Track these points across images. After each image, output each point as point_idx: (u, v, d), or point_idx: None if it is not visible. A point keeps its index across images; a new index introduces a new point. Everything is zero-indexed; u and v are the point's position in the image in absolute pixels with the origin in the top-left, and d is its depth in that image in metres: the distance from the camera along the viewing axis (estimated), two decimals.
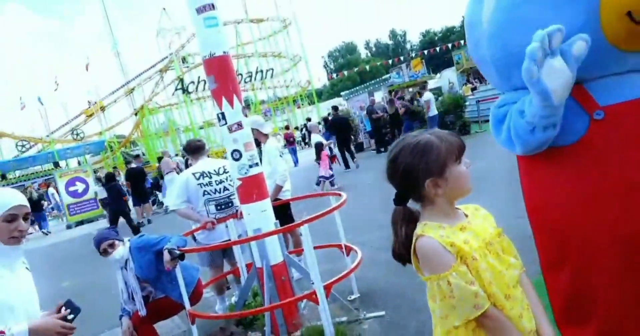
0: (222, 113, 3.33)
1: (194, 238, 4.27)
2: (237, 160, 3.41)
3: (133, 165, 13.90)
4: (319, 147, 10.15)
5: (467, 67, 33.95)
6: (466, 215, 1.35)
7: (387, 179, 1.34)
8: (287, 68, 39.39)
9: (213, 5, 3.26)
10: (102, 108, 37.16)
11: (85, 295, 6.03)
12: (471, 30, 1.65)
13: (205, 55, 3.30)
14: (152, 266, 3.30)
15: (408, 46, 77.11)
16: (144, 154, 34.73)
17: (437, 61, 48.05)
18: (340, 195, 3.73)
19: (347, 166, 12.66)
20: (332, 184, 9.66)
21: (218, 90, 3.31)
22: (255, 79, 35.38)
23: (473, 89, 26.64)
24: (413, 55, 46.72)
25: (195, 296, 3.57)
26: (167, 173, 9.81)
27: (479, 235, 1.29)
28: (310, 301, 3.36)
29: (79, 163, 38.67)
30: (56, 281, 7.60)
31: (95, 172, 20.33)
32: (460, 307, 1.21)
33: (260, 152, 4.34)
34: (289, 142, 20.52)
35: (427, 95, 14.23)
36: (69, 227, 16.24)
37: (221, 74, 3.31)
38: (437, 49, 31.43)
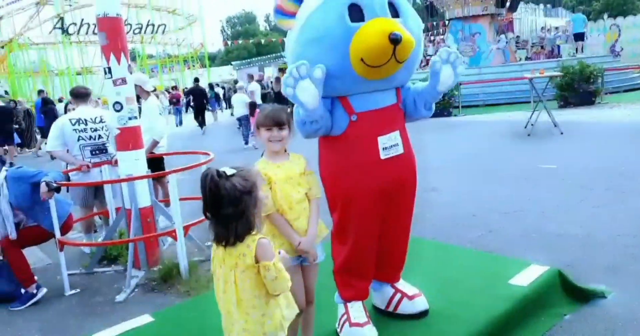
0: (109, 68, 3.73)
1: (68, 179, 4.58)
2: (118, 111, 3.83)
3: None
4: (253, 106, 11.09)
5: None
6: (289, 160, 2.12)
7: None
8: (181, 26, 37.81)
9: None
10: None
11: None
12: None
13: (99, 14, 3.65)
14: (26, 196, 3.61)
15: None
16: (7, 93, 31.28)
17: None
18: (208, 154, 4.34)
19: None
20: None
21: (108, 46, 3.70)
22: (145, 31, 33.48)
23: None
24: None
25: (65, 228, 3.94)
26: None
27: (286, 171, 2.08)
28: (171, 237, 3.97)
29: None
30: None
31: None
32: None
33: (140, 108, 4.73)
34: (175, 102, 20.21)
35: None
36: None
37: (112, 33, 3.69)
38: None
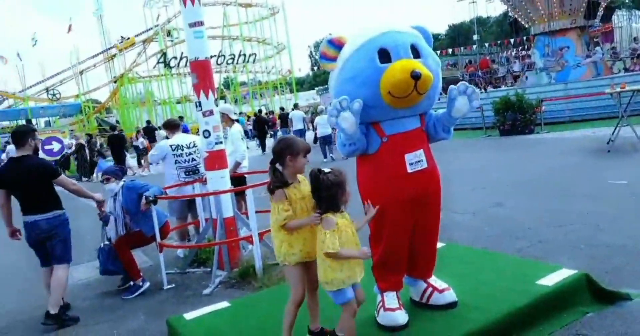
0: (199, 102, 4.57)
1: (166, 193, 5.50)
2: (206, 137, 4.65)
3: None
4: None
5: (442, 76, 35.58)
6: (299, 181, 2.63)
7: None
8: (271, 55, 40.14)
9: (202, 23, 4.51)
10: (81, 72, 37.18)
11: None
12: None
13: (192, 58, 4.52)
14: (134, 203, 4.55)
15: None
16: (118, 122, 35.05)
17: None
18: None
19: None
20: None
21: (199, 85, 4.55)
22: (237, 61, 36.07)
23: None
24: None
25: (163, 233, 4.80)
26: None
27: (301, 191, 2.60)
28: (248, 242, 4.68)
29: (48, 123, 38.73)
30: None
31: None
32: (280, 218, 2.52)
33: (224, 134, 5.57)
34: (271, 125, 21.65)
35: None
36: None
37: (202, 74, 4.54)
38: None
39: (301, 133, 16.09)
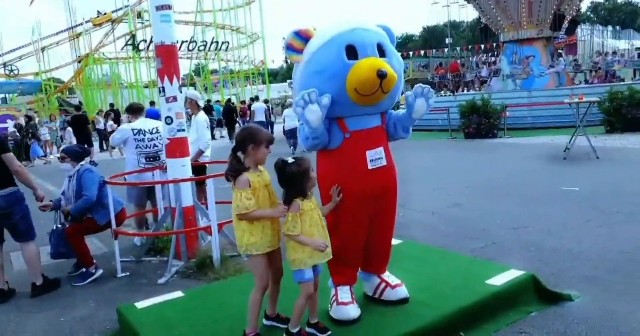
0: (163, 88, 4.47)
1: (125, 179, 5.37)
2: (168, 124, 4.56)
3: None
4: None
5: (412, 77, 36.04)
6: (260, 170, 2.65)
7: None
8: (244, 44, 39.64)
9: (169, 6, 4.41)
10: (42, 49, 35.75)
11: None
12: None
13: (157, 42, 4.42)
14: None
15: None
16: (81, 103, 33.93)
17: None
18: None
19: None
20: None
21: (163, 70, 4.45)
22: (209, 48, 35.46)
23: None
24: None
25: (118, 220, 4.69)
26: None
27: (264, 179, 2.63)
28: (206, 233, 4.63)
29: (5, 100, 37.10)
30: None
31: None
32: (242, 206, 2.51)
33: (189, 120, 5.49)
34: (242, 114, 21.78)
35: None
36: None
37: (167, 58, 4.45)
38: None
39: (262, 125, 16.53)
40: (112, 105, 21.96)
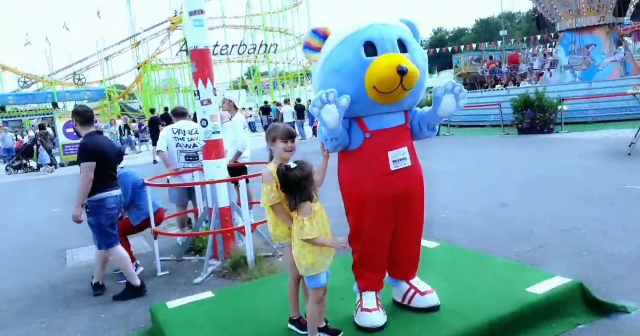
0: (198, 91, 4.53)
1: (168, 180, 5.50)
2: (204, 126, 4.61)
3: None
4: None
5: (464, 71, 34.98)
6: None
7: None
8: (292, 46, 39.98)
9: (202, 11, 4.44)
10: (106, 58, 37.69)
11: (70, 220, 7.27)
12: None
13: (191, 47, 4.48)
14: (126, 192, 4.50)
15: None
16: (140, 107, 35.48)
17: (445, 60, 47.62)
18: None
19: None
20: None
21: (197, 73, 4.50)
22: (258, 51, 36.04)
23: None
24: (425, 50, 45.82)
25: (156, 220, 4.79)
26: None
27: None
28: (240, 233, 4.64)
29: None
30: (48, 207, 8.87)
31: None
32: (267, 198, 2.55)
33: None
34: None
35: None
36: (61, 165, 17.39)
37: (201, 62, 4.49)
38: (437, 50, 32.14)
39: (293, 125, 18.64)
40: (166, 109, 22.81)
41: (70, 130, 17.79)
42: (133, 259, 4.64)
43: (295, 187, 2.47)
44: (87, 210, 4.04)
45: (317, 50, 2.67)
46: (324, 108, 2.42)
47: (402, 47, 2.57)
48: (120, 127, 22.47)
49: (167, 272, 4.67)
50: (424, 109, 2.78)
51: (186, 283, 4.35)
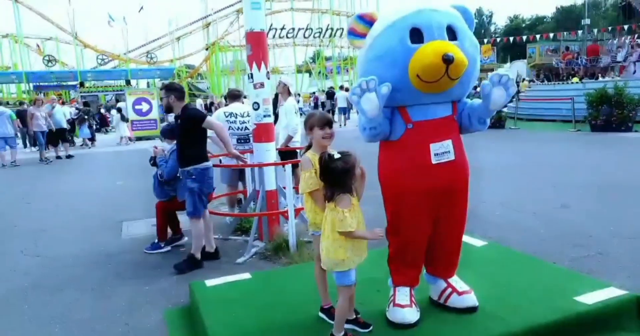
0: (251, 74, 4.55)
1: (220, 161, 5.61)
2: (256, 109, 4.65)
3: None
4: None
5: (539, 62, 33.10)
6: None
7: None
8: None
9: None
10: (178, 39, 38.98)
11: (131, 192, 7.66)
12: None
13: (247, 29, 4.49)
14: (174, 170, 4.69)
15: (492, 28, 74.16)
16: (208, 88, 36.56)
17: (520, 49, 44.90)
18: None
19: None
20: None
21: (252, 56, 4.52)
22: (324, 35, 35.95)
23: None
24: (498, 39, 43.63)
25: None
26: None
27: None
28: (284, 217, 4.68)
29: (147, 84, 41.36)
30: (113, 180, 9.39)
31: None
32: (306, 185, 2.53)
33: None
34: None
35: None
36: (129, 139, 18.31)
37: (256, 45, 4.50)
38: (510, 39, 30.58)
39: (344, 111, 20.71)
40: (229, 90, 23.67)
41: (140, 106, 18.71)
42: (165, 237, 4.86)
43: (336, 178, 2.41)
44: (193, 177, 4.27)
45: (363, 36, 2.58)
46: (363, 96, 2.34)
47: (452, 34, 2.43)
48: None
49: (212, 251, 4.80)
50: (475, 102, 2.62)
51: (229, 263, 4.43)
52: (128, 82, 31.28)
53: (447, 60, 2.26)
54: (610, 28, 29.48)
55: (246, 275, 3.59)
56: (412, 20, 2.40)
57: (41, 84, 30.57)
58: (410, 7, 2.46)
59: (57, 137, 13.65)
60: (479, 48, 2.57)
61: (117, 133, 18.36)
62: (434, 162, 2.54)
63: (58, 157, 13.62)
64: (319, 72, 41.53)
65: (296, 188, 5.67)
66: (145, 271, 4.36)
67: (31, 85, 30.69)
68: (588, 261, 3.93)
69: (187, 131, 4.25)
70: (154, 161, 4.93)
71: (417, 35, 2.40)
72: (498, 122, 14.70)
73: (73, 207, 7.24)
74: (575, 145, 11.09)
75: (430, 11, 2.42)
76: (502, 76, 2.42)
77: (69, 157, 13.69)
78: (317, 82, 40.34)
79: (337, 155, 2.39)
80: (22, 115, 14.43)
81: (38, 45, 37.42)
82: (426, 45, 2.36)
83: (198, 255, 4.36)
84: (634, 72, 17.62)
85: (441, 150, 2.54)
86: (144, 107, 18.81)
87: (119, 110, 18.59)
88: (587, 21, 30.66)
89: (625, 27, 25.04)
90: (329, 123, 2.59)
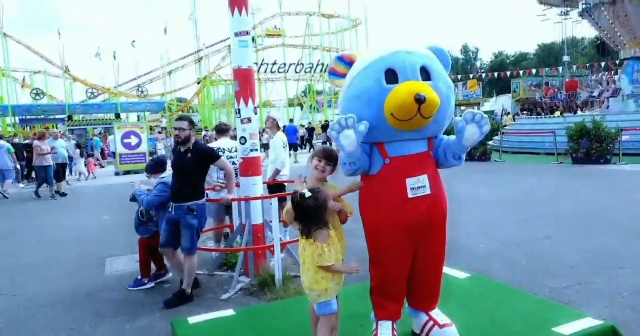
0: (239, 109, 4.68)
1: (207, 195, 5.65)
2: (242, 144, 4.75)
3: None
4: None
5: (522, 96, 34.01)
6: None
7: None
8: None
9: (247, 32, 4.62)
10: (169, 73, 39.48)
11: (117, 227, 7.62)
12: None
13: (235, 66, 4.65)
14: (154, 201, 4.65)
15: (478, 64, 76.17)
16: (199, 121, 36.78)
17: (504, 84, 46.14)
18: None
19: None
20: None
21: (240, 92, 4.66)
22: (315, 70, 36.70)
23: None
24: (483, 74, 44.83)
25: None
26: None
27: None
28: (270, 251, 4.69)
29: (137, 118, 41.54)
30: (100, 214, 9.33)
31: (151, 128, 22.65)
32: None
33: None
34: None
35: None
36: (117, 173, 18.25)
37: (243, 82, 4.65)
38: (494, 74, 31.48)
39: None
40: (219, 123, 24.02)
41: (129, 140, 18.74)
42: (148, 274, 4.86)
43: (311, 215, 2.47)
44: (194, 213, 4.33)
45: (343, 76, 2.71)
46: (342, 132, 2.45)
47: (426, 74, 2.56)
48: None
49: (198, 287, 4.77)
50: (451, 138, 2.74)
51: (214, 299, 4.41)
52: (118, 116, 31.39)
53: (419, 100, 2.37)
54: (588, 65, 30.55)
55: (230, 312, 3.57)
56: (388, 61, 2.54)
57: (27, 117, 30.51)
58: (387, 49, 2.60)
59: (58, 172, 13.17)
60: (452, 87, 2.71)
61: (75, 168, 17.64)
62: (410, 195, 2.62)
63: (57, 192, 12.66)
64: (310, 106, 42.13)
65: (283, 222, 5.73)
66: (126, 308, 4.30)
67: (17, 118, 30.62)
68: (568, 291, 4.00)
69: (199, 167, 4.37)
70: (133, 197, 4.91)
71: (392, 76, 2.53)
72: (483, 155, 14.96)
73: (57, 242, 7.17)
74: (558, 177, 11.30)
75: (405, 53, 2.57)
76: (476, 114, 2.54)
77: (62, 194, 12.78)
78: (309, 115, 40.88)
79: (307, 193, 2.46)
80: (17, 149, 14.47)
81: (24, 79, 37.56)
82: (400, 86, 2.48)
83: (189, 291, 4.36)
84: (607, 107, 18.16)
85: (417, 185, 2.63)
86: (133, 140, 18.83)
87: (78, 145, 18.53)
88: (567, 58, 31.78)
89: (603, 63, 25.95)
90: (327, 157, 2.70)
